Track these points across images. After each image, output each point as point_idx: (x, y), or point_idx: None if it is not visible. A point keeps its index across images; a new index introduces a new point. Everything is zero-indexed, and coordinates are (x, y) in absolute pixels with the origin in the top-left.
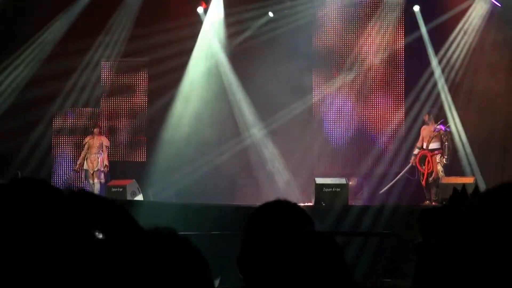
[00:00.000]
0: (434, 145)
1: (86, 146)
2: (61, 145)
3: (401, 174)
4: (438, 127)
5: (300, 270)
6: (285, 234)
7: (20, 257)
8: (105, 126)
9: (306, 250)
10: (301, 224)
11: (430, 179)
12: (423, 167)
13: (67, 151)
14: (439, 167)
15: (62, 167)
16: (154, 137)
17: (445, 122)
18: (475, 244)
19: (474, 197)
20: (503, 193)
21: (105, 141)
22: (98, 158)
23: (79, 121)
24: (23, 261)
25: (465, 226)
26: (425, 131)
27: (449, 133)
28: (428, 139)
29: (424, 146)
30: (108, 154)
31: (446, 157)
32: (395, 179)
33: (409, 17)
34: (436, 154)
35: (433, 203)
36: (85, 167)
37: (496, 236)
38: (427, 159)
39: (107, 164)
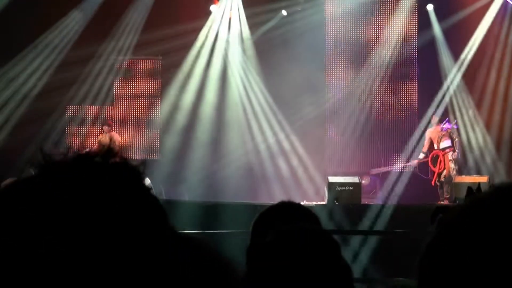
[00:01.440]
0: (444, 143)
1: (97, 145)
2: (75, 143)
3: (402, 167)
4: (445, 126)
5: (295, 267)
6: (278, 232)
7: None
8: (118, 124)
9: (299, 246)
10: (306, 223)
11: (442, 177)
12: (435, 167)
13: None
14: (451, 165)
15: None
16: (168, 135)
17: (450, 120)
18: (460, 246)
19: (470, 197)
20: (495, 195)
21: (117, 137)
22: None
23: (93, 119)
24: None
25: (454, 227)
26: (433, 133)
27: (456, 130)
28: (437, 139)
29: (435, 147)
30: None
31: (457, 151)
32: (391, 169)
33: (422, 16)
34: (448, 152)
35: (446, 202)
36: None
37: (481, 239)
38: (439, 159)
39: None
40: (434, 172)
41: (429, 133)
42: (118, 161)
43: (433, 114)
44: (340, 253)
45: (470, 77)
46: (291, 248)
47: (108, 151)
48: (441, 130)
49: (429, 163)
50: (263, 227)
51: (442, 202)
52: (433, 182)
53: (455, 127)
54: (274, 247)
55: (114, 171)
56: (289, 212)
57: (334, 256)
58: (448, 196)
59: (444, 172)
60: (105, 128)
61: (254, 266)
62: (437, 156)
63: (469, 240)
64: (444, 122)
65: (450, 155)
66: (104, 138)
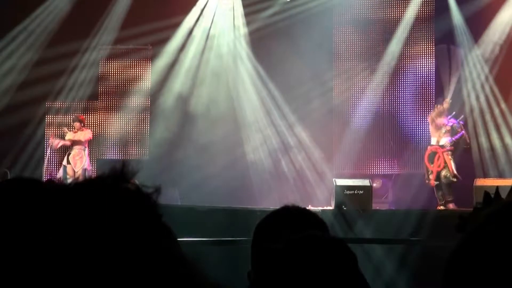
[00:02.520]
0: (444, 140)
1: (62, 143)
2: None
3: None
4: (451, 120)
5: (308, 279)
6: (290, 240)
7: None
8: (104, 121)
9: (314, 256)
10: (313, 230)
11: (442, 176)
12: (432, 164)
13: (61, 149)
14: (453, 164)
15: (55, 164)
16: (157, 134)
17: (456, 116)
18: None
19: (494, 203)
20: None
21: (85, 136)
22: (83, 154)
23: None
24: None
25: (476, 236)
26: (437, 121)
27: (463, 126)
28: (439, 133)
29: (434, 142)
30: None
31: (467, 146)
32: None
33: (440, 4)
34: (448, 150)
35: (451, 206)
36: (64, 162)
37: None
38: (437, 155)
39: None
40: (430, 171)
41: (432, 120)
42: (130, 187)
43: (446, 99)
44: (357, 265)
45: (497, 70)
46: (305, 257)
47: (120, 175)
48: (446, 124)
49: (425, 160)
50: (267, 233)
51: (442, 207)
52: (432, 182)
53: (461, 122)
54: (286, 256)
55: (124, 197)
56: (295, 217)
57: (351, 267)
58: (450, 199)
59: (444, 172)
60: (76, 124)
61: (263, 275)
62: (435, 153)
63: (499, 247)
64: (450, 116)
65: (450, 154)
66: (72, 136)
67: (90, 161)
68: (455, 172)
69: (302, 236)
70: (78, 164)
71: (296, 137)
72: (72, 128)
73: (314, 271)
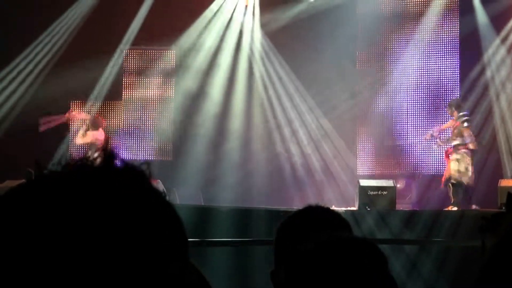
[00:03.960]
0: (458, 140)
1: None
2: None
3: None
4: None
5: (339, 281)
6: (320, 241)
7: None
8: (128, 122)
9: (345, 258)
10: (337, 230)
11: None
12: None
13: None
14: (453, 166)
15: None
16: (182, 135)
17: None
18: None
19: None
20: None
21: (100, 136)
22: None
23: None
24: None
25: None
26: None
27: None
28: (451, 135)
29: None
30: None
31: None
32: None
33: (465, 2)
34: (461, 149)
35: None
36: None
37: None
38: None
39: None
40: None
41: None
42: (122, 165)
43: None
44: (388, 267)
45: None
46: (337, 259)
47: (109, 155)
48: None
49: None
50: (291, 233)
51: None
52: (442, 185)
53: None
54: (319, 258)
55: (118, 176)
56: (318, 217)
57: (382, 269)
58: (453, 200)
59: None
60: (92, 124)
61: (296, 276)
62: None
63: None
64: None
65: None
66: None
67: None
68: (450, 174)
69: (333, 238)
70: None
71: (321, 136)
72: (88, 128)
73: (346, 273)
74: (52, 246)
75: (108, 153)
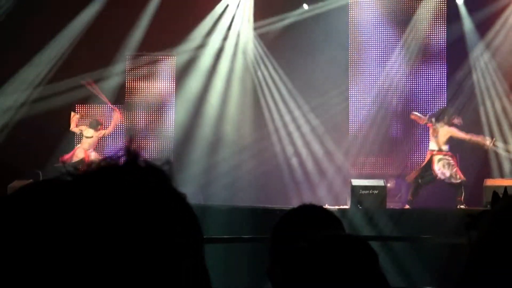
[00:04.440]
0: (447, 146)
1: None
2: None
3: None
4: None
5: (333, 278)
6: (314, 240)
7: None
8: (129, 123)
9: (339, 256)
10: (330, 228)
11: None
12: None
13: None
14: (436, 167)
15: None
16: (181, 136)
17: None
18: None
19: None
20: None
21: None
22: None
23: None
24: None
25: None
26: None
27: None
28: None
29: (437, 147)
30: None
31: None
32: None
33: (452, 10)
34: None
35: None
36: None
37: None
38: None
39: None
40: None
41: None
42: (144, 165)
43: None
44: (378, 263)
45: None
46: (331, 257)
47: (133, 155)
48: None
49: (424, 163)
50: (286, 231)
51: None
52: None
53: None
54: (315, 256)
55: (143, 175)
56: (312, 215)
57: (374, 266)
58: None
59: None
60: (95, 126)
61: (292, 273)
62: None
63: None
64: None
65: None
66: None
67: None
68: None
69: (328, 237)
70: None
71: (315, 138)
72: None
73: (341, 270)
74: (82, 242)
75: (132, 153)
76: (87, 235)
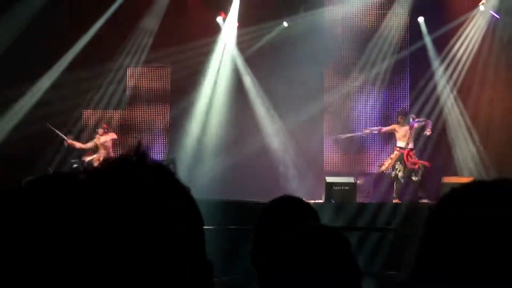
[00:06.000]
0: (412, 143)
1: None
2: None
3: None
4: (414, 124)
5: (310, 264)
6: (293, 230)
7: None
8: (129, 128)
9: (315, 244)
10: (308, 218)
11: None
12: (401, 163)
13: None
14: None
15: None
16: (176, 138)
17: (413, 118)
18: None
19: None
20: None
21: (113, 135)
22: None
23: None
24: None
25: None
26: (399, 132)
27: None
28: (409, 137)
29: (402, 145)
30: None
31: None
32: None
33: (414, 27)
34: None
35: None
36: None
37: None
38: (407, 156)
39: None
40: (399, 169)
41: (395, 129)
42: (153, 162)
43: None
44: (351, 250)
45: (461, 85)
46: (310, 246)
47: (142, 154)
48: (411, 128)
49: (394, 160)
50: (269, 219)
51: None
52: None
53: (421, 119)
54: (298, 246)
55: (155, 171)
56: (292, 206)
57: (348, 253)
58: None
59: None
60: (100, 131)
61: (278, 262)
62: (403, 155)
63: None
64: (413, 122)
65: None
66: (98, 141)
67: None
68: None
69: (309, 228)
70: None
71: (292, 141)
72: (96, 133)
73: (321, 258)
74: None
75: (141, 152)
76: (91, 231)
